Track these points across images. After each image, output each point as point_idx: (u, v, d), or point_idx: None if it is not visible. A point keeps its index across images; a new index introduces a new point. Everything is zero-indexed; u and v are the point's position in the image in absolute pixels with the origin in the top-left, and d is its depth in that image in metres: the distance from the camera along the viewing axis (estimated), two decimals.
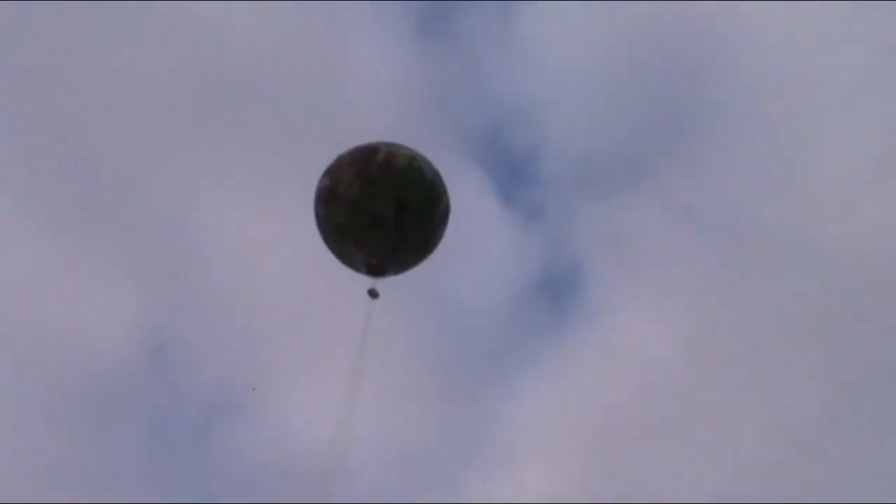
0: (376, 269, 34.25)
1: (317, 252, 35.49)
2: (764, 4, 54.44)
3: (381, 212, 35.82)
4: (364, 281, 33.69)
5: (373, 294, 34.36)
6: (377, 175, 37.38)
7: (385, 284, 33.85)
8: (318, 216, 36.78)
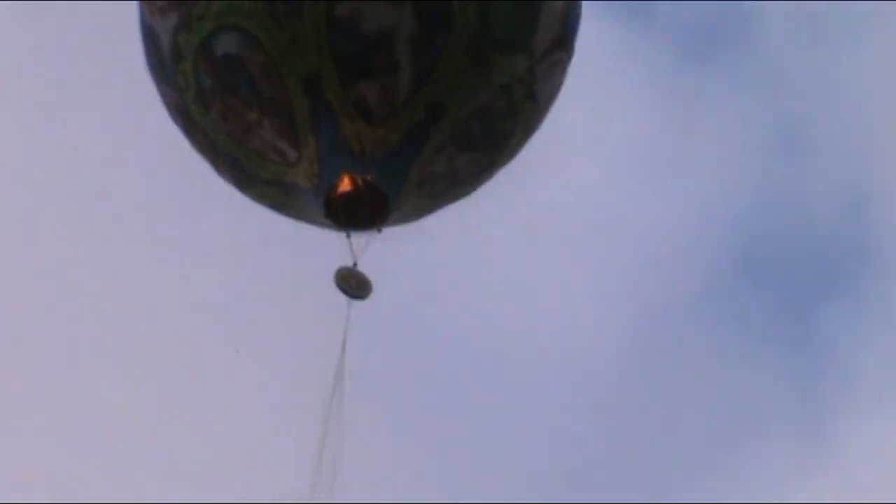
0: (362, 206, 9.91)
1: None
2: None
3: (361, 25, 9.60)
4: (322, 251, 10.32)
5: (352, 286, 10.00)
6: None
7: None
8: (146, 37, 10.43)
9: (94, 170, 19.77)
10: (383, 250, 10.23)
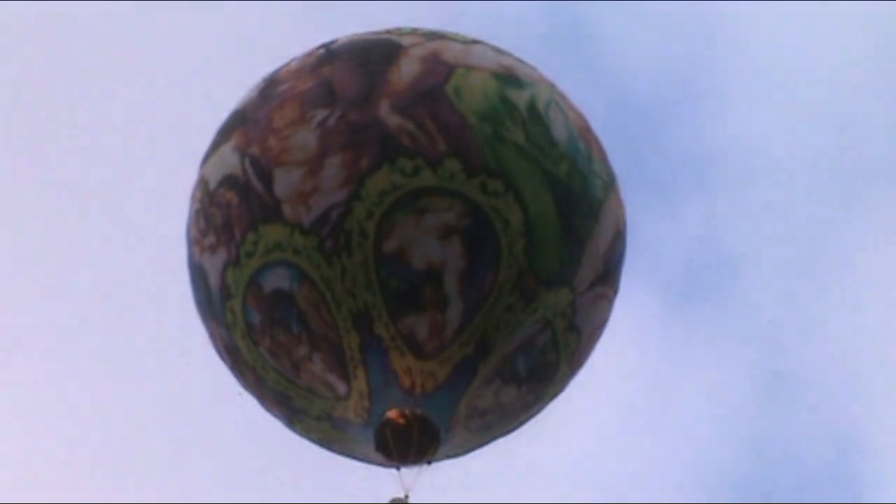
0: (414, 439, 9.68)
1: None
2: None
3: (410, 260, 9.55)
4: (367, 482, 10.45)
5: None
6: (394, 129, 9.56)
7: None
8: (195, 275, 10.45)
9: (141, 409, 19.88)
10: (433, 483, 10.18)
